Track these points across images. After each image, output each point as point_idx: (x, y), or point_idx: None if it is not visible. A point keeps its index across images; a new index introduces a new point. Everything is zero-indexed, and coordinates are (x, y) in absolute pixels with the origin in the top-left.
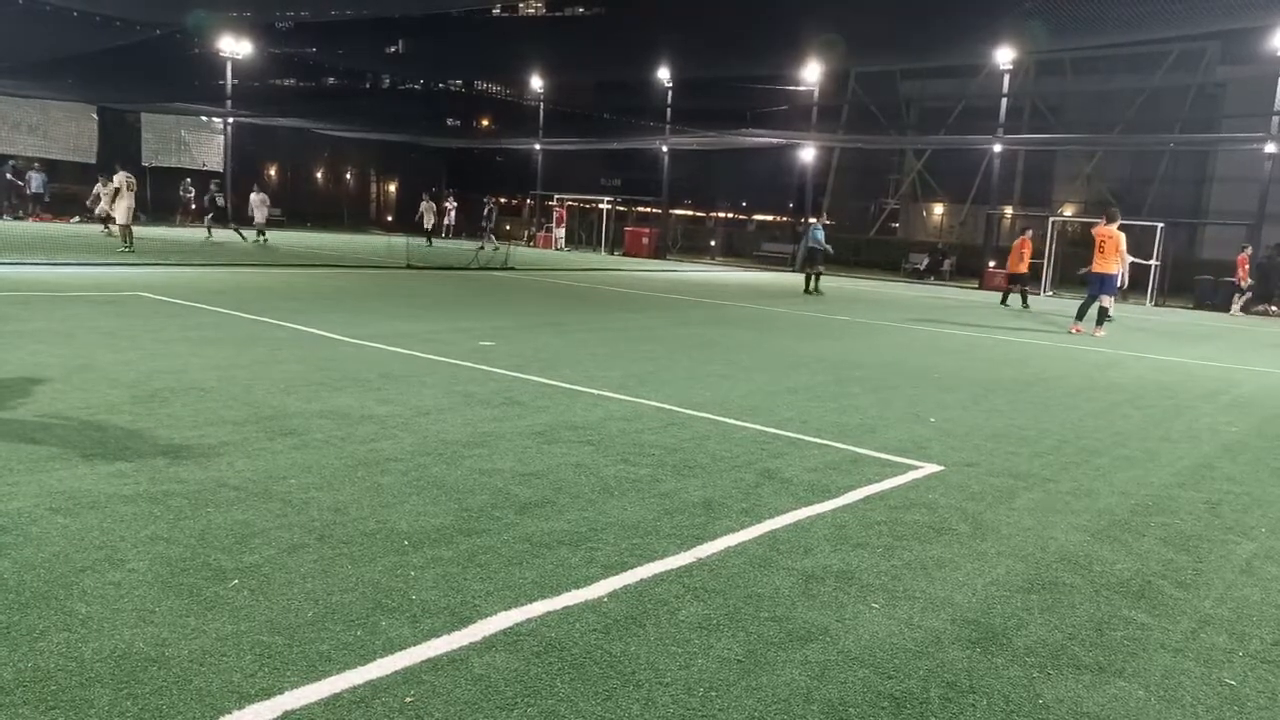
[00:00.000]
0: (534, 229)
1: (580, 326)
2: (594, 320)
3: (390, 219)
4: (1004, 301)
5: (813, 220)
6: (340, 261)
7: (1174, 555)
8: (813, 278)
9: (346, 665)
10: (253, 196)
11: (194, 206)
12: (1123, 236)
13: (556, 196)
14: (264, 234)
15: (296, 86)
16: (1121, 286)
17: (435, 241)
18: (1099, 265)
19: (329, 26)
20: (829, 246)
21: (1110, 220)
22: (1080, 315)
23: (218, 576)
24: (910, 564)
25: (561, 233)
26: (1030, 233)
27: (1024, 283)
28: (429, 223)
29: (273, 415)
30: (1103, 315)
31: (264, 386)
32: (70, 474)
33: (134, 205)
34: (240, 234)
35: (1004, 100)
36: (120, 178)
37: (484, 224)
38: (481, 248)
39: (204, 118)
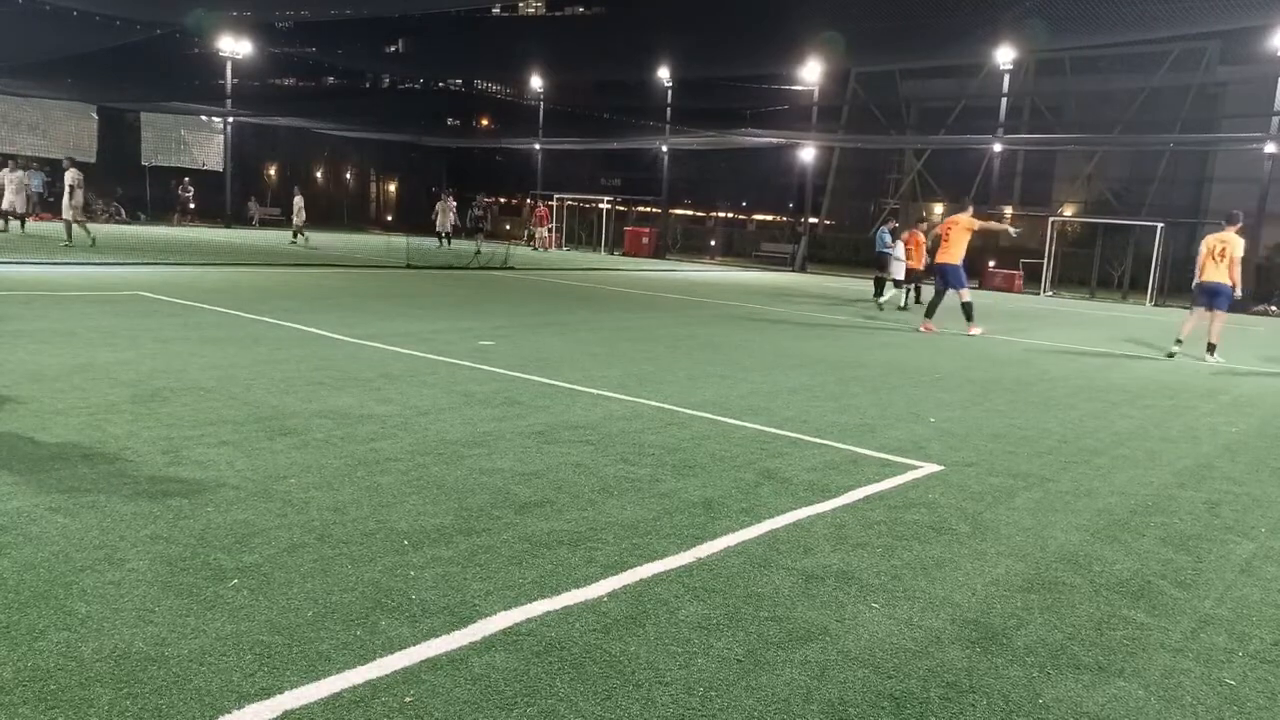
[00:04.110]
0: (532, 229)
1: (580, 326)
2: (594, 320)
3: (390, 219)
4: (906, 302)
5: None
6: (340, 261)
7: (1174, 555)
8: (881, 283)
9: (346, 665)
10: (296, 199)
11: (192, 206)
12: (974, 224)
13: (556, 196)
14: (301, 233)
15: (296, 86)
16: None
17: (478, 244)
18: (941, 255)
19: (329, 26)
20: (889, 249)
21: (963, 209)
22: (929, 313)
23: (217, 576)
24: (910, 564)
25: (543, 232)
26: (924, 225)
27: (914, 279)
28: (444, 224)
29: (272, 415)
30: (969, 310)
31: (264, 386)
32: (70, 474)
33: (81, 203)
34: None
35: (1004, 100)
36: (71, 175)
37: (478, 224)
38: (478, 251)
39: (204, 117)
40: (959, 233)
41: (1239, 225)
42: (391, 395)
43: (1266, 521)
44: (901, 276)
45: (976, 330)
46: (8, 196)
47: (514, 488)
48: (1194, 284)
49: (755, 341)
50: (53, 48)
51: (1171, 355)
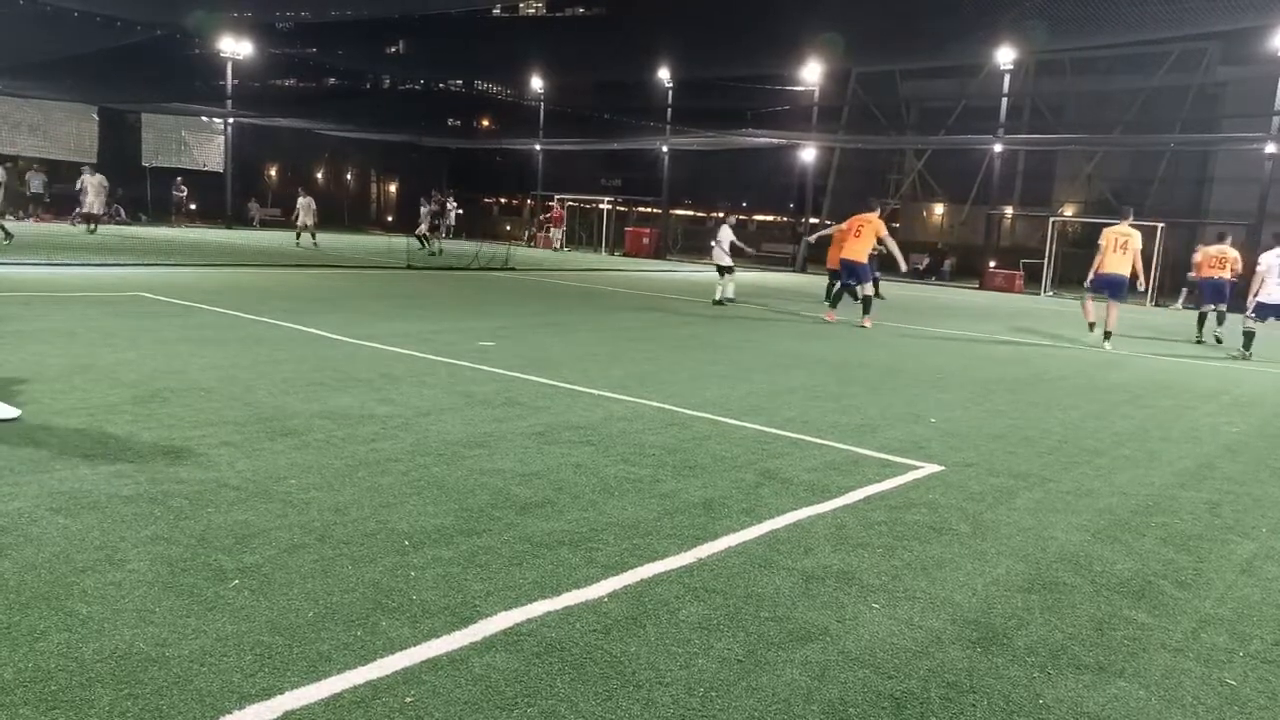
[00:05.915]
0: (534, 229)
1: (580, 326)
2: (594, 320)
3: (391, 219)
4: (834, 298)
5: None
6: (340, 262)
7: (1174, 555)
8: (841, 288)
9: (346, 665)
10: (300, 201)
11: (193, 207)
12: (881, 229)
13: (557, 197)
14: (314, 235)
15: (297, 86)
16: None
17: (433, 243)
18: (848, 251)
19: (329, 27)
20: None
21: (870, 209)
22: (832, 302)
23: (218, 576)
24: (910, 564)
25: (558, 233)
26: (834, 225)
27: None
28: (424, 226)
29: (273, 415)
30: (868, 304)
31: (264, 387)
32: (70, 474)
33: (1, 199)
34: (299, 240)
35: (1004, 100)
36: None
37: (435, 220)
38: (432, 252)
39: (204, 118)
40: (870, 231)
41: (1131, 219)
42: (392, 396)
43: (1267, 521)
44: (727, 264)
45: (869, 323)
46: (89, 200)
47: (514, 488)
48: (1093, 275)
49: (756, 342)
50: (53, 48)
51: (1099, 346)
